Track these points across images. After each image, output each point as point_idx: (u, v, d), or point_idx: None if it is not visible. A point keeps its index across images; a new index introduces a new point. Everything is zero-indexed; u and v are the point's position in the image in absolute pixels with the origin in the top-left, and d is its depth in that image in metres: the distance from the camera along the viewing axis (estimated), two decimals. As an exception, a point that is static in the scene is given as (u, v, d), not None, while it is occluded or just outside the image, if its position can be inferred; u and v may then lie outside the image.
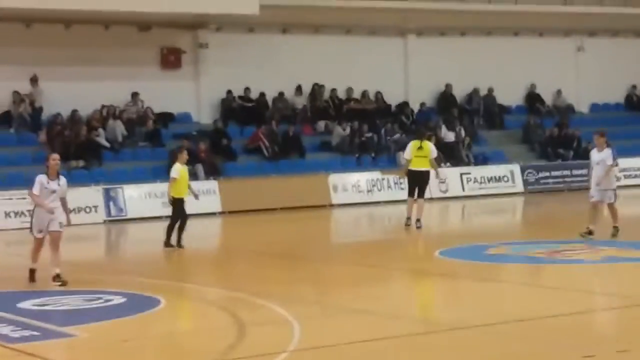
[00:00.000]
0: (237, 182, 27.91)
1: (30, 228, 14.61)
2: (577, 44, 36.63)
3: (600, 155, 17.85)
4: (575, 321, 11.39)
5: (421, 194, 21.47)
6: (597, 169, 17.87)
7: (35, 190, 14.38)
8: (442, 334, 10.58)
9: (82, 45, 28.93)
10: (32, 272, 14.76)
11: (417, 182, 21.44)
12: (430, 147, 21.39)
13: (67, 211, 14.78)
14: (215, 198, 27.16)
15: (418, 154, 21.35)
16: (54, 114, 28.28)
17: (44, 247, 14.59)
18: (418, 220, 21.14)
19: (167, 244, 18.77)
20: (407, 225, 21.28)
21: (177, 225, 18.80)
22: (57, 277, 14.19)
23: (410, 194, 21.69)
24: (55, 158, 14.59)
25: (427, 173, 21.48)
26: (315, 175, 28.60)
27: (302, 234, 22.66)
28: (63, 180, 14.61)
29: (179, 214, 18.76)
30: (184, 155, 19.22)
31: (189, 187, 19.06)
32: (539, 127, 34.05)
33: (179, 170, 18.82)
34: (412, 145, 21.53)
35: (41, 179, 14.40)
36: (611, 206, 18.02)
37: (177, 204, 18.83)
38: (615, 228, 17.98)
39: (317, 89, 32.17)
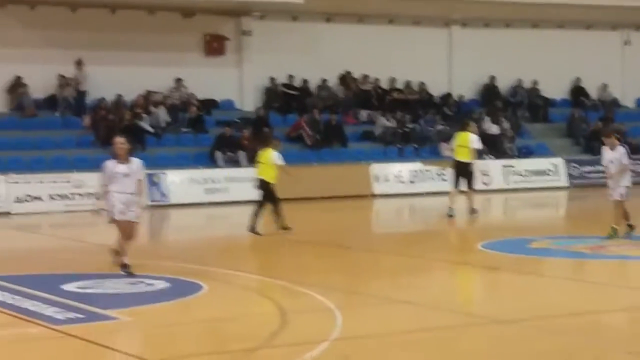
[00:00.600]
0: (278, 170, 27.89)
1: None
2: (623, 37, 36.25)
3: (612, 154, 17.46)
4: (619, 317, 11.29)
5: (469, 185, 21.44)
6: (611, 167, 17.50)
7: (103, 177, 13.90)
8: (482, 327, 10.53)
9: (127, 30, 29.12)
10: (123, 266, 13.82)
11: (459, 172, 21.40)
12: (469, 138, 21.33)
13: (140, 196, 14.05)
14: (257, 186, 27.16)
15: (460, 143, 21.33)
16: (98, 98, 28.47)
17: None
18: (473, 209, 21.24)
19: (253, 229, 19.07)
20: (450, 216, 21.22)
21: (260, 210, 19.26)
22: (125, 266, 13.70)
23: (454, 184, 21.66)
24: (119, 142, 13.89)
25: (466, 164, 21.38)
26: (357, 165, 28.58)
27: (344, 224, 22.65)
28: (136, 162, 13.91)
29: (270, 198, 19.27)
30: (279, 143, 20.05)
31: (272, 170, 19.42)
32: (584, 120, 33.76)
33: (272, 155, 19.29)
34: (456, 136, 21.59)
35: (107, 163, 13.89)
36: (619, 203, 17.39)
37: (270, 188, 19.26)
38: (613, 229, 17.26)
39: (348, 77, 32.01)
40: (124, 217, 13.66)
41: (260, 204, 19.37)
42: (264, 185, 19.35)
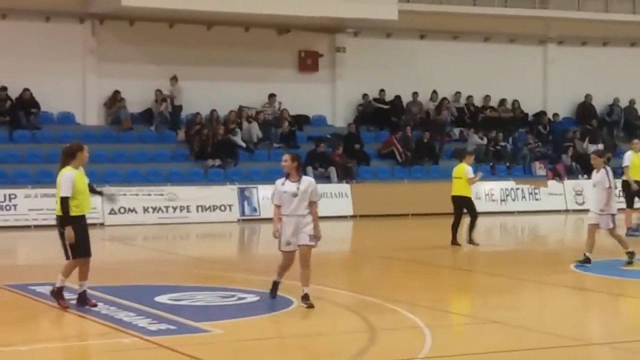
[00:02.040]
0: (369, 186, 28.00)
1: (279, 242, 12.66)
2: None
3: (595, 177, 16.69)
4: None
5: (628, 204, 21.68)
6: (594, 191, 16.77)
7: (273, 198, 12.56)
8: (574, 349, 10.37)
9: (222, 46, 29.50)
10: (274, 285, 12.92)
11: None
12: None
13: (316, 220, 12.35)
14: (347, 201, 27.31)
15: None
16: (193, 113, 28.89)
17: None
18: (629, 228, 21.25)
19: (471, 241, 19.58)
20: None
21: (459, 223, 19.73)
22: (305, 298, 12.37)
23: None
24: (285, 159, 12.47)
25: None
26: (448, 182, 28.39)
27: (433, 241, 22.49)
28: (307, 181, 12.41)
29: (470, 212, 19.74)
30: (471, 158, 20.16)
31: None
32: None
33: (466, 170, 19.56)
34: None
35: (276, 183, 12.52)
36: (612, 233, 16.61)
37: (468, 202, 19.65)
38: (630, 254, 16.53)
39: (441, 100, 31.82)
40: (299, 243, 12.34)
41: (458, 218, 19.76)
42: (463, 201, 19.61)
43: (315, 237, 12.36)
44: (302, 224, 12.33)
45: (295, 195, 12.24)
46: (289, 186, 12.31)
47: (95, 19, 28.29)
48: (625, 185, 21.95)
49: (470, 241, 19.66)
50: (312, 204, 12.30)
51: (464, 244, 19.57)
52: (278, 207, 12.44)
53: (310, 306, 12.29)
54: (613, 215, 16.49)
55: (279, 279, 12.88)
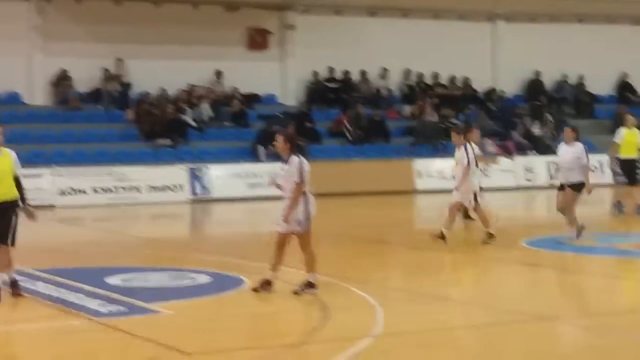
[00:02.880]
0: (320, 165, 27.81)
1: None
2: (671, 32, 35.81)
3: (456, 155, 16.46)
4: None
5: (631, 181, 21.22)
6: (456, 169, 16.59)
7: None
8: (525, 324, 10.43)
9: (171, 24, 29.25)
10: (266, 283, 11.95)
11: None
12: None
13: (291, 201, 11.73)
14: (299, 180, 27.19)
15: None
16: (142, 92, 28.62)
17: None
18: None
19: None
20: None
21: None
22: (304, 284, 11.93)
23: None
24: (276, 139, 12.05)
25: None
26: (399, 161, 28.50)
27: (386, 219, 22.58)
28: (292, 162, 11.81)
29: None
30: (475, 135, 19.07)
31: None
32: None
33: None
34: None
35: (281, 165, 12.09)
36: (475, 210, 16.74)
37: None
38: (489, 235, 16.46)
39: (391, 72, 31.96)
40: (277, 228, 11.88)
41: None
42: None
43: (283, 217, 11.75)
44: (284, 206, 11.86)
45: (282, 176, 11.86)
46: (281, 167, 11.95)
47: (41, -4, 27.91)
48: (622, 162, 21.26)
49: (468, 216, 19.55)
50: (295, 184, 11.74)
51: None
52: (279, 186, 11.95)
53: (296, 293, 11.72)
54: (472, 192, 16.47)
55: (272, 269, 11.94)
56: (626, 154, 20.98)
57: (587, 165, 16.13)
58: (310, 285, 11.88)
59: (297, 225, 11.81)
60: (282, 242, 11.92)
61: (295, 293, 11.77)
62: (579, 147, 16.20)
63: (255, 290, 11.93)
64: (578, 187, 16.18)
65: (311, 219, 11.96)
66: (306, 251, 11.94)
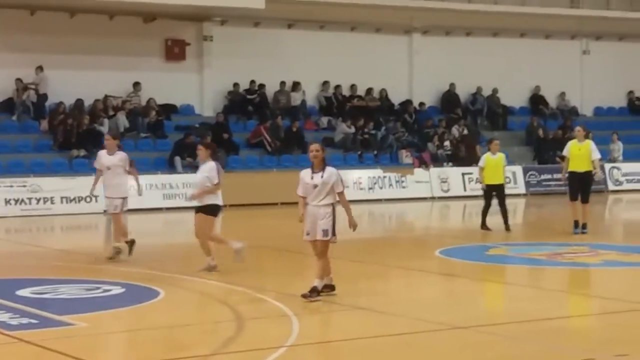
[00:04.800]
0: (238, 176, 27.86)
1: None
2: (582, 47, 36.62)
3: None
4: (574, 324, 11.37)
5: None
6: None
7: (298, 190, 12.43)
8: (439, 333, 10.54)
9: (87, 34, 28.95)
10: (328, 287, 12.43)
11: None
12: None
13: (347, 208, 12.27)
14: (216, 191, 27.10)
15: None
16: (57, 102, 28.25)
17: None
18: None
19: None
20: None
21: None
22: (311, 290, 12.20)
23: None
24: (312, 149, 12.31)
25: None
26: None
27: (302, 229, 22.57)
28: (329, 172, 12.14)
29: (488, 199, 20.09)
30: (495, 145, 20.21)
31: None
32: (542, 128, 34.02)
33: (485, 159, 20.17)
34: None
35: (301, 173, 12.45)
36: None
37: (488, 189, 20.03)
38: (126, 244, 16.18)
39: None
40: (307, 238, 12.35)
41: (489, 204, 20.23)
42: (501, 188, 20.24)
43: (350, 225, 12.29)
44: (320, 216, 12.20)
45: (315, 186, 12.18)
46: (312, 177, 12.22)
47: (-48, 5, 27.39)
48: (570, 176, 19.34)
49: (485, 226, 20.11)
50: (339, 195, 12.21)
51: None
52: (303, 197, 12.36)
53: (305, 297, 12.04)
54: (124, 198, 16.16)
55: (319, 280, 12.30)
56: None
57: None
58: (330, 287, 12.41)
59: (324, 235, 12.22)
60: (314, 248, 12.38)
61: (305, 298, 12.05)
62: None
63: (306, 297, 12.11)
64: None
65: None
66: (323, 258, 12.34)
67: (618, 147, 33.37)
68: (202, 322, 11.35)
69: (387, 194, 29.08)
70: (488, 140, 21.66)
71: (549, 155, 32.29)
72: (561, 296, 13.29)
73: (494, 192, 20.19)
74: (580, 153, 19.12)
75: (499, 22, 34.42)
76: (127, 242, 16.17)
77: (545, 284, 14.46)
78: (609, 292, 13.61)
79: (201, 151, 14.28)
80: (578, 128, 19.84)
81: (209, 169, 14.33)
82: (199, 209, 14.52)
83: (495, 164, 20.08)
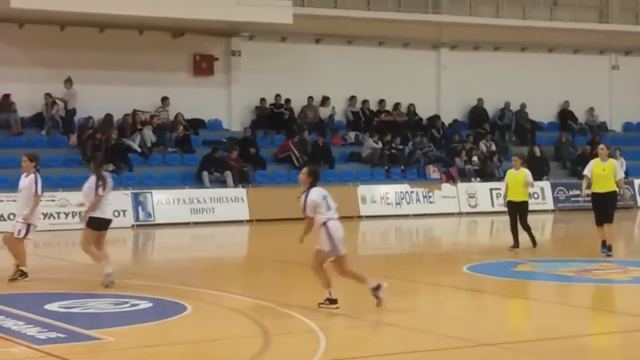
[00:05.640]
0: (265, 191, 27.94)
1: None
2: (611, 62, 36.45)
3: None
4: (601, 341, 11.28)
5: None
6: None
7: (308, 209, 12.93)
8: (466, 350, 10.49)
9: (116, 49, 29.12)
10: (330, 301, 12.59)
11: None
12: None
13: (305, 228, 13.26)
14: (244, 206, 27.21)
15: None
16: (85, 117, 28.42)
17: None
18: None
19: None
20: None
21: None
22: (376, 289, 12.67)
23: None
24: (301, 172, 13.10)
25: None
26: (344, 186, 28.58)
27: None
28: (305, 195, 13.02)
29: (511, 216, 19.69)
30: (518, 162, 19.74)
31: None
32: (571, 144, 33.88)
33: (507, 175, 19.80)
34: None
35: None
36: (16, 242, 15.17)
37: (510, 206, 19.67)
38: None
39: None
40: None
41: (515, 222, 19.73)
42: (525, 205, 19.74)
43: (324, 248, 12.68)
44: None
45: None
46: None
47: (-17, 21, 27.65)
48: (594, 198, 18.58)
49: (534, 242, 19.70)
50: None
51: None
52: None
53: (379, 303, 12.50)
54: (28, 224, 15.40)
55: (367, 284, 12.77)
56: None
57: None
58: (377, 288, 12.64)
59: (328, 255, 12.62)
60: (333, 267, 12.71)
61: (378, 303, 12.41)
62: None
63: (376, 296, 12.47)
64: None
65: (337, 243, 12.76)
66: (346, 274, 12.71)
67: (647, 163, 33.11)
68: (229, 337, 11.34)
69: (415, 209, 29.02)
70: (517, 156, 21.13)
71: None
72: (589, 313, 13.19)
73: (517, 209, 19.56)
74: (605, 173, 18.16)
75: (527, 36, 34.33)
76: (19, 269, 15.27)
77: (573, 300, 14.37)
78: (637, 309, 13.50)
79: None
80: (601, 146, 18.88)
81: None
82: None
83: (515, 180, 19.60)
